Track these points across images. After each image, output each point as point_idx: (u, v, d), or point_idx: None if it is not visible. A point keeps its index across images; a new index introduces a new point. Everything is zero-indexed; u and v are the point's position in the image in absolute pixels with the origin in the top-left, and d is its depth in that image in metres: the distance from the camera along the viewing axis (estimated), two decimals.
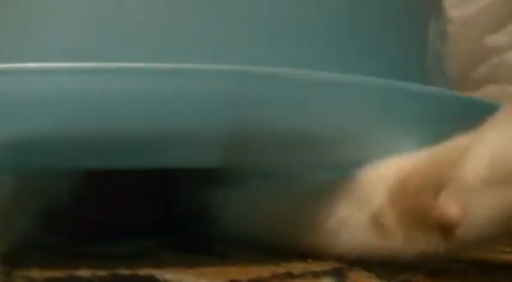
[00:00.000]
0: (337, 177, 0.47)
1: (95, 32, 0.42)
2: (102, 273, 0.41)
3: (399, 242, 0.43)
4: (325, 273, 0.43)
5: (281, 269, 0.44)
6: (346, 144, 0.45)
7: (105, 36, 0.42)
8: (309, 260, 0.46)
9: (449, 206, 0.40)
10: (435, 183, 0.40)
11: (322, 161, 0.46)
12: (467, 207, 0.39)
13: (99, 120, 0.39)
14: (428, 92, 0.49)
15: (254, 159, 0.45)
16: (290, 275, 0.43)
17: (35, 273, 0.40)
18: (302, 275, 0.43)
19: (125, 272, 0.42)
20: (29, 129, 0.39)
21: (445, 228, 0.40)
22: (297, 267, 0.44)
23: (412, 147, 0.46)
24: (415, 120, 0.47)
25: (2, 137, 0.39)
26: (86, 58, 0.40)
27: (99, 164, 0.42)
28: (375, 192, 0.44)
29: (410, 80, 0.48)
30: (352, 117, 0.45)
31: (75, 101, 0.39)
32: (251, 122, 0.41)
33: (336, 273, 0.43)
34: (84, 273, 0.41)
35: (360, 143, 0.45)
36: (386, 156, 0.45)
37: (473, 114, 0.47)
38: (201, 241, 0.53)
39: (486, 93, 1.02)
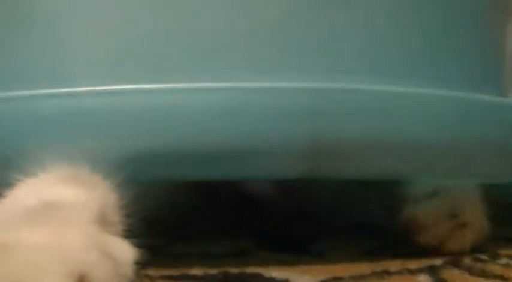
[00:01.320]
0: None
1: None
2: (213, 271, 0.45)
3: None
4: (420, 270, 0.46)
5: (378, 266, 0.46)
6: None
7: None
8: (406, 258, 0.49)
9: None
10: None
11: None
12: None
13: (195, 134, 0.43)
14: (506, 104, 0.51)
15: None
16: (387, 273, 0.45)
17: (153, 272, 0.43)
18: (398, 272, 0.45)
19: (233, 270, 0.45)
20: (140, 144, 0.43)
21: None
22: (394, 264, 0.47)
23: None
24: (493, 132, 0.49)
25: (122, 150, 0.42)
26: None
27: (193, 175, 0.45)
28: None
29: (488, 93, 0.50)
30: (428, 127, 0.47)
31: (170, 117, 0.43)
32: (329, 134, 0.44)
33: (431, 270, 0.46)
34: (197, 271, 0.44)
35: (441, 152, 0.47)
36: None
37: None
38: (297, 241, 0.56)
39: None
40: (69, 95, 0.43)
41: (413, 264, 0.47)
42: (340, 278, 0.44)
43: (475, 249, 0.51)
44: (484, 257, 0.50)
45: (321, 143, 0.43)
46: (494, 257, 0.50)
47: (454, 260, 0.49)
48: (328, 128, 0.43)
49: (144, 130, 0.42)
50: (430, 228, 0.52)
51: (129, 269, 0.34)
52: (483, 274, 0.46)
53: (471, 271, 0.46)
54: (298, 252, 0.53)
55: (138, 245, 0.38)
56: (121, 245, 0.35)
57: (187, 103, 0.43)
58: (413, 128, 0.45)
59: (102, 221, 0.37)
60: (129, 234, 0.40)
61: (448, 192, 0.53)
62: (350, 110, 0.44)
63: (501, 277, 0.45)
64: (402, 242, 0.52)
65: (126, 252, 0.35)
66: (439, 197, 0.53)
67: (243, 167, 0.44)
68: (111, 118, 0.42)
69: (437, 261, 0.48)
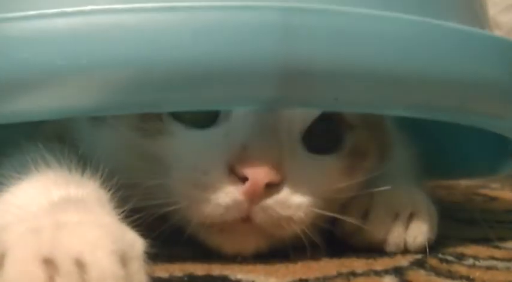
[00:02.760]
0: None
1: None
2: (178, 274, 0.44)
3: None
4: (386, 271, 0.46)
5: (344, 268, 0.46)
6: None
7: None
8: (371, 260, 0.49)
9: None
10: None
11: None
12: None
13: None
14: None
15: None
16: (353, 274, 0.45)
17: None
18: (364, 274, 0.45)
19: (199, 272, 0.45)
20: None
21: None
22: (360, 266, 0.47)
23: None
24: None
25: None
26: None
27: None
28: None
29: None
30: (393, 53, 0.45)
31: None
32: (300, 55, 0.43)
33: (397, 272, 0.46)
34: (162, 274, 0.44)
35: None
36: None
37: None
38: None
39: None
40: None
41: (379, 266, 0.47)
42: (306, 280, 0.44)
43: (441, 250, 0.51)
44: (449, 257, 0.50)
45: (291, 65, 0.43)
46: (460, 257, 0.50)
47: (420, 261, 0.49)
48: (298, 49, 0.43)
49: (115, 50, 0.42)
50: (388, 240, 0.52)
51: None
52: (449, 275, 0.46)
53: (437, 272, 0.46)
54: (263, 254, 0.53)
55: None
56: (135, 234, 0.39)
57: (158, 22, 0.43)
58: (385, 52, 0.45)
59: None
60: None
61: (379, 201, 0.53)
62: (321, 31, 0.44)
63: (467, 278, 0.45)
64: None
65: (140, 240, 0.38)
66: (374, 210, 0.53)
67: (213, 91, 0.43)
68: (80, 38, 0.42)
69: (403, 262, 0.48)
